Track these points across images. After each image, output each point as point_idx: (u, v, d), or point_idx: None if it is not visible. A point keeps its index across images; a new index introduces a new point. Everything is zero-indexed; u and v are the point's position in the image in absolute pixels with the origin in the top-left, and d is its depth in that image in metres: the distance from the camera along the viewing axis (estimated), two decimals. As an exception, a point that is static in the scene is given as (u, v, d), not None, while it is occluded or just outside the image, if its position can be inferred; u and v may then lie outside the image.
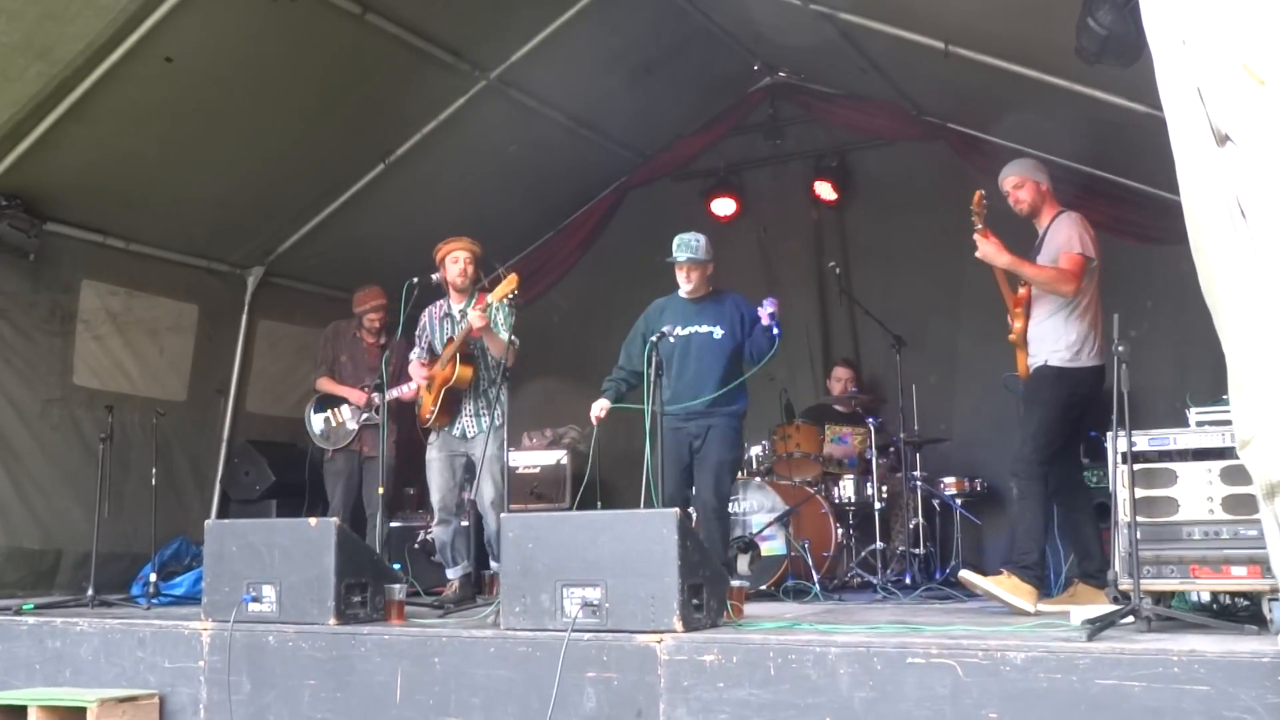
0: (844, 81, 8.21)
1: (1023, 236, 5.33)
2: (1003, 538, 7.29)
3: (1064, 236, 5.10)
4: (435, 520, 6.16)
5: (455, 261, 6.17)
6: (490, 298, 5.90)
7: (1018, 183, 5.29)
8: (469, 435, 6.11)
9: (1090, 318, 5.10)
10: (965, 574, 5.05)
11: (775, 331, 5.63)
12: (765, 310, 5.61)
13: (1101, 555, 5.11)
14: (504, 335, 5.96)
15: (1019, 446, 5.09)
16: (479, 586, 6.54)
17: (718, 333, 5.88)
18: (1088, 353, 5.07)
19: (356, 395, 7.21)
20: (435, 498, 6.17)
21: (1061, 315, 5.08)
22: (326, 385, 7.34)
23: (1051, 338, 5.09)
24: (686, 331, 5.90)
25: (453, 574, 6.15)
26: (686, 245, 5.94)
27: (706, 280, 6.03)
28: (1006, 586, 4.77)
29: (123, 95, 6.13)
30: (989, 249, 5.04)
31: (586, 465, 8.56)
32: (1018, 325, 5.20)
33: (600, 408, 5.96)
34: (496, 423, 6.02)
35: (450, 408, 6.10)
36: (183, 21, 5.82)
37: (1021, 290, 5.18)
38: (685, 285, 6.00)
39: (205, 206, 7.35)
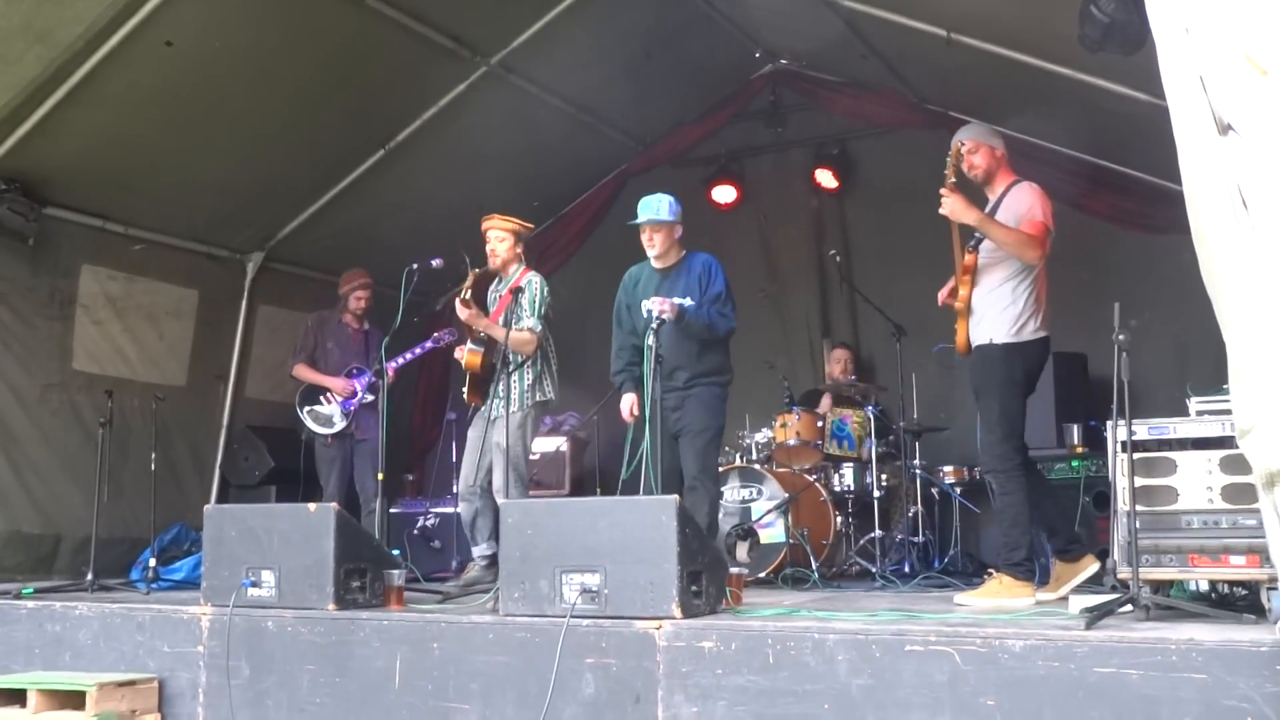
0: (846, 69, 8.18)
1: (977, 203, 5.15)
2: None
3: (1026, 205, 4.96)
4: (459, 497, 6.25)
5: (486, 243, 6.17)
6: (464, 292, 5.95)
7: (972, 147, 5.13)
8: (493, 418, 6.10)
9: (1038, 290, 4.98)
10: (960, 598, 4.88)
11: (656, 323, 5.36)
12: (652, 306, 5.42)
13: (1069, 529, 5.10)
14: (525, 321, 5.92)
15: (985, 436, 4.95)
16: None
17: (688, 304, 5.54)
18: (1033, 325, 4.96)
19: (339, 385, 7.20)
20: (461, 475, 6.24)
21: (1010, 285, 4.95)
22: (305, 373, 7.33)
23: (996, 309, 4.96)
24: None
25: (475, 552, 6.16)
26: (646, 206, 5.67)
27: (675, 244, 5.77)
28: (1002, 594, 4.73)
29: (122, 79, 6.11)
30: (956, 205, 4.91)
31: (585, 452, 8.60)
32: (964, 293, 5.05)
33: (631, 404, 5.83)
34: (499, 412, 5.99)
35: (479, 388, 6.17)
36: (183, 5, 5.80)
37: (968, 257, 5.02)
38: (650, 250, 5.73)
39: (205, 192, 7.33)
